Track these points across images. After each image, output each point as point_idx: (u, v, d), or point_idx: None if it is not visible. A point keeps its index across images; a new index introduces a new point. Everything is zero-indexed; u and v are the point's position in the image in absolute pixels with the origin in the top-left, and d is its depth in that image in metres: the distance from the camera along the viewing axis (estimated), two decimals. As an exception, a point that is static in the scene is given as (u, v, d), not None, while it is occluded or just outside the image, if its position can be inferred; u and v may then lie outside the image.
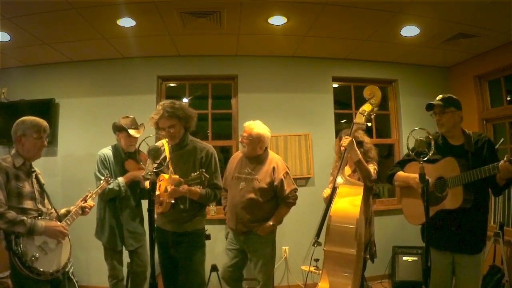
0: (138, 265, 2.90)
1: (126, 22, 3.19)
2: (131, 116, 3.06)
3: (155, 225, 2.38)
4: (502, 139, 3.36)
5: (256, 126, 2.72)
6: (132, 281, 2.93)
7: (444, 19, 3.18)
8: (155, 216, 2.38)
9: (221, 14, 3.13)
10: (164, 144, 2.42)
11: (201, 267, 2.45)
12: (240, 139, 2.75)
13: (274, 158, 2.76)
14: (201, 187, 2.23)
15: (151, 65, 4.11)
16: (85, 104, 4.04)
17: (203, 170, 2.16)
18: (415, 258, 3.88)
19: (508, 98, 3.97)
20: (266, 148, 2.79)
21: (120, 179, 2.82)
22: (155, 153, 2.18)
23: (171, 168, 2.32)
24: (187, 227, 2.37)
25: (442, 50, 3.94)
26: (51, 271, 2.00)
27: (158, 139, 2.92)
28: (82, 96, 4.07)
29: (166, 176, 2.31)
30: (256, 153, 2.71)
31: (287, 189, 2.67)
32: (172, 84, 4.38)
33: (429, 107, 2.20)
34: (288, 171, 2.76)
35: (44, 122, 2.14)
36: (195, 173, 2.14)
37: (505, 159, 1.79)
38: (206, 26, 3.34)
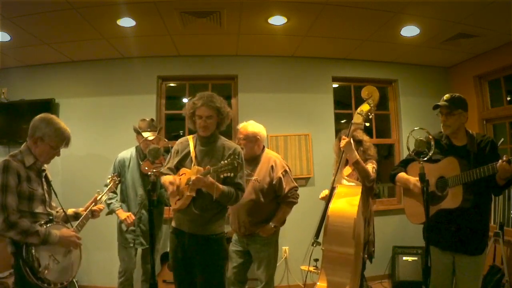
0: (147, 262, 3.11)
1: (126, 22, 3.19)
2: (148, 119, 3.15)
3: (173, 227, 2.27)
4: (502, 139, 3.36)
5: (251, 125, 2.72)
6: (142, 276, 3.19)
7: (444, 19, 3.18)
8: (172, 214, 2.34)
9: (221, 14, 3.13)
10: (189, 139, 2.31)
11: (222, 274, 2.25)
12: (236, 142, 2.72)
13: (272, 156, 2.74)
14: (233, 174, 2.00)
15: (151, 65, 4.11)
16: (85, 104, 4.04)
17: (236, 156, 2.02)
18: (415, 258, 3.88)
19: (508, 98, 3.97)
20: (264, 147, 2.79)
21: (115, 209, 2.93)
22: (154, 153, 2.18)
23: (194, 161, 2.18)
24: (206, 230, 2.15)
25: (442, 50, 3.94)
26: (62, 281, 1.86)
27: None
28: (82, 96, 4.07)
29: (189, 170, 2.17)
30: (255, 153, 2.71)
31: (286, 187, 2.66)
32: (172, 84, 4.38)
33: (436, 107, 2.18)
34: (287, 169, 2.74)
35: (68, 134, 1.97)
36: (226, 160, 1.98)
37: (503, 158, 1.80)
38: (206, 26, 3.34)
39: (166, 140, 3.53)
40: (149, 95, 4.09)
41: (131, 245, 2.99)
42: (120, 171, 3.04)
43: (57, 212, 2.08)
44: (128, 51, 3.93)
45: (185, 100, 4.45)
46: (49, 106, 3.93)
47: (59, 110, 4.01)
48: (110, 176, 2.65)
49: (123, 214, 2.89)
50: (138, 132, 3.06)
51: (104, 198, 2.37)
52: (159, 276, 3.40)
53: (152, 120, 3.16)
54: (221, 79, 4.32)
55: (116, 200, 2.98)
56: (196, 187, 2.08)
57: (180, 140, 2.38)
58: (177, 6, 2.96)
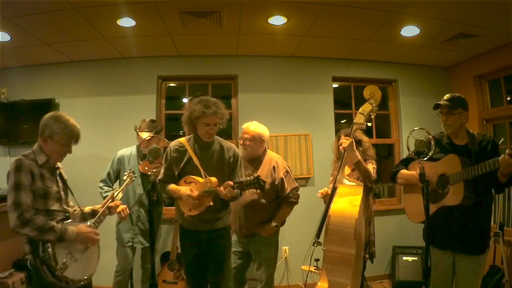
0: (145, 262, 3.14)
1: (126, 22, 3.18)
2: (148, 119, 3.16)
3: (185, 228, 2.37)
4: (502, 139, 3.37)
5: (255, 126, 2.74)
6: (142, 276, 3.19)
7: (444, 19, 3.18)
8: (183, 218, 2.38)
9: (221, 14, 3.13)
10: (184, 143, 2.34)
11: (229, 260, 2.49)
12: (240, 142, 2.72)
13: (273, 157, 2.76)
14: (259, 190, 2.24)
15: (151, 65, 4.11)
16: (85, 104, 4.04)
17: (259, 175, 2.19)
18: (415, 258, 3.87)
19: (508, 98, 3.97)
20: (266, 148, 2.79)
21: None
22: (154, 153, 2.18)
23: (201, 170, 2.24)
24: (219, 225, 2.34)
25: (442, 50, 3.94)
26: (81, 279, 1.83)
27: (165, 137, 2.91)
28: (82, 96, 4.07)
29: (199, 179, 2.22)
30: (257, 154, 2.71)
31: (288, 188, 2.68)
32: (172, 84, 4.38)
33: (437, 106, 2.18)
34: (289, 170, 2.76)
35: (77, 131, 1.94)
36: (249, 178, 2.17)
37: (507, 151, 1.78)
38: (206, 26, 3.34)
39: (166, 140, 3.54)
40: (149, 95, 4.09)
41: (130, 244, 2.99)
42: (118, 168, 3.05)
43: (74, 210, 2.05)
44: (128, 51, 3.92)
45: (185, 100, 4.45)
46: (49, 106, 3.93)
47: (59, 110, 4.00)
48: (126, 173, 2.57)
49: (120, 206, 2.84)
50: (136, 131, 3.10)
51: (120, 195, 2.32)
52: (159, 276, 3.41)
53: (152, 120, 3.17)
54: (221, 79, 4.32)
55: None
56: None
57: (174, 146, 2.35)
58: (177, 6, 2.96)
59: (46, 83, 4.09)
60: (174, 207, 3.60)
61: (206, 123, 2.20)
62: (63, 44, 3.62)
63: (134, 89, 4.07)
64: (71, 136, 1.91)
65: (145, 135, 3.00)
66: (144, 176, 2.99)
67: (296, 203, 2.74)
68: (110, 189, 2.99)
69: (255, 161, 2.71)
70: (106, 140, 3.96)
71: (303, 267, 3.63)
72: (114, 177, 3.06)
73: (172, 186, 2.28)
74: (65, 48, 3.73)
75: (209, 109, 2.17)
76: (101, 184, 3.00)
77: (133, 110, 3.94)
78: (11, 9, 2.83)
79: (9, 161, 3.96)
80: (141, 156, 3.02)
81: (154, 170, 2.08)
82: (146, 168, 2.18)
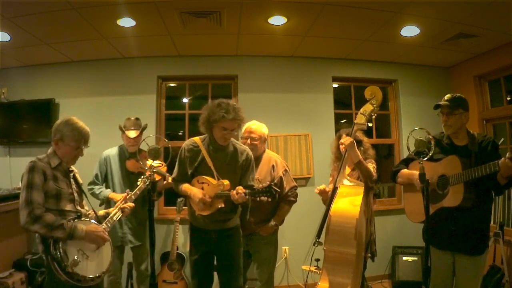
0: (138, 263, 3.04)
1: (126, 22, 3.19)
2: (133, 118, 3.13)
3: (194, 226, 2.39)
4: (502, 139, 3.36)
5: (258, 125, 2.74)
6: (137, 278, 3.09)
7: (444, 19, 3.18)
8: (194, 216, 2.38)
9: (221, 14, 3.13)
10: (199, 143, 2.32)
11: (241, 260, 2.48)
12: (248, 141, 2.67)
13: (272, 156, 2.77)
14: (271, 199, 2.21)
15: (151, 65, 4.11)
16: (85, 104, 4.04)
17: (272, 183, 2.20)
18: (415, 258, 3.88)
19: (508, 98, 3.97)
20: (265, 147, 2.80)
21: (107, 194, 2.87)
22: (155, 153, 2.18)
23: (215, 172, 2.24)
24: (228, 225, 2.36)
25: (442, 50, 3.94)
26: (92, 276, 1.84)
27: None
28: (82, 96, 4.07)
29: (212, 180, 2.22)
30: (260, 153, 2.72)
31: (287, 186, 2.69)
32: (172, 84, 4.38)
33: (437, 107, 2.18)
34: (287, 169, 2.77)
35: (86, 132, 2.03)
36: (262, 186, 2.18)
37: (506, 155, 1.78)
38: (206, 26, 3.34)
39: (166, 140, 3.53)
40: (149, 95, 4.09)
41: (119, 243, 2.94)
42: (106, 169, 3.02)
43: (88, 214, 2.09)
44: (128, 51, 3.92)
45: (185, 100, 4.45)
46: (49, 106, 3.93)
47: (59, 110, 4.01)
48: (140, 179, 2.47)
49: (119, 196, 2.70)
50: (121, 130, 3.05)
51: (132, 198, 2.29)
52: (159, 276, 3.40)
53: (137, 119, 3.12)
54: (221, 79, 4.32)
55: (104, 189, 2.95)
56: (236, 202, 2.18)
57: (188, 145, 2.34)
58: (177, 6, 2.96)
59: (46, 83, 4.08)
60: (175, 207, 3.63)
61: (224, 127, 2.19)
62: (63, 44, 3.62)
63: (134, 89, 4.07)
64: (80, 137, 1.99)
65: (132, 133, 2.99)
66: (130, 175, 2.96)
67: (295, 201, 2.75)
68: (101, 186, 2.96)
69: (255, 160, 2.71)
70: (106, 140, 3.93)
71: (304, 267, 3.63)
72: (102, 178, 3.01)
73: (185, 186, 2.29)
74: (65, 48, 3.73)
75: (229, 114, 2.16)
76: (90, 186, 2.95)
77: (133, 110, 3.92)
78: (11, 9, 2.83)
79: (9, 161, 3.96)
80: (128, 155, 3.00)
81: (154, 171, 2.08)
82: (147, 167, 2.15)
